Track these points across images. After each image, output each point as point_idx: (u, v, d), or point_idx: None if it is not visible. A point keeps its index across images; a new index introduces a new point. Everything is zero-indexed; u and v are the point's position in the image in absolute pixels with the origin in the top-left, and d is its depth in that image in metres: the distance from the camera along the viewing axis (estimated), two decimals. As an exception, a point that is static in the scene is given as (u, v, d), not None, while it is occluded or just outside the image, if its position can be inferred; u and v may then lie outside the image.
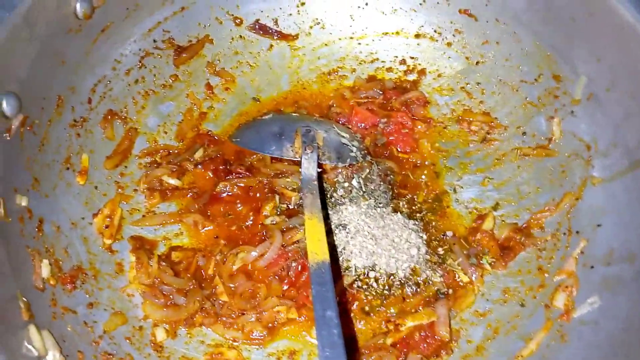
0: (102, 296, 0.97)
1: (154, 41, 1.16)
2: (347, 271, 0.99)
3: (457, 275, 1.01)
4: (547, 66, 1.08)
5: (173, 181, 1.11)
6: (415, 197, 1.09)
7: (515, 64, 1.13)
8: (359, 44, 1.25)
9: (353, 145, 1.11)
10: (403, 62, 1.24)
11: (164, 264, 1.01)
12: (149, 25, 1.15)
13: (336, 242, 1.01)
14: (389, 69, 1.24)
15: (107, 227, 1.03)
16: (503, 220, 1.07)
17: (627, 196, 0.92)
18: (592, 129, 1.01)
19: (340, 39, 1.26)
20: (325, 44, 1.26)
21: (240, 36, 1.24)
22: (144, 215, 1.08)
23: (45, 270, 0.91)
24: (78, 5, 0.98)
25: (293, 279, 1.00)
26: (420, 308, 0.97)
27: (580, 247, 0.97)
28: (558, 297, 0.95)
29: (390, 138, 1.15)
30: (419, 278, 1.00)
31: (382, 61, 1.25)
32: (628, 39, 0.90)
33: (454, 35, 1.20)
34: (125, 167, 1.11)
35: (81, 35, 1.01)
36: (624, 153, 0.94)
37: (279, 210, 1.07)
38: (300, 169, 1.07)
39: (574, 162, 1.03)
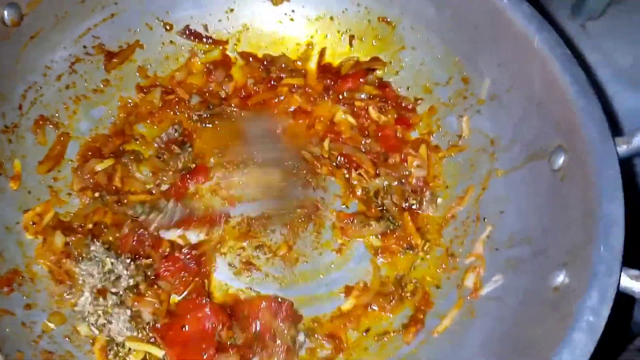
0: (40, 297, 0.99)
1: (84, 47, 1.18)
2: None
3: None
4: (456, 70, 1.18)
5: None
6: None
7: (429, 68, 1.23)
8: (287, 49, 1.31)
9: None
10: (331, 66, 1.31)
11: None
12: (79, 31, 1.16)
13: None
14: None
15: (34, 223, 1.04)
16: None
17: (524, 186, 1.03)
18: (495, 126, 1.11)
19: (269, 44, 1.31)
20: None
21: (171, 41, 1.28)
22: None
23: (-20, 274, 0.92)
24: (5, 13, 0.99)
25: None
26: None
27: (486, 232, 1.07)
28: (468, 277, 1.05)
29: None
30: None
31: (311, 66, 1.31)
32: (523, 47, 1.00)
33: (374, 41, 1.28)
34: (59, 171, 1.12)
35: (9, 43, 1.02)
36: (521, 148, 1.05)
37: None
38: None
39: (480, 156, 1.14)
